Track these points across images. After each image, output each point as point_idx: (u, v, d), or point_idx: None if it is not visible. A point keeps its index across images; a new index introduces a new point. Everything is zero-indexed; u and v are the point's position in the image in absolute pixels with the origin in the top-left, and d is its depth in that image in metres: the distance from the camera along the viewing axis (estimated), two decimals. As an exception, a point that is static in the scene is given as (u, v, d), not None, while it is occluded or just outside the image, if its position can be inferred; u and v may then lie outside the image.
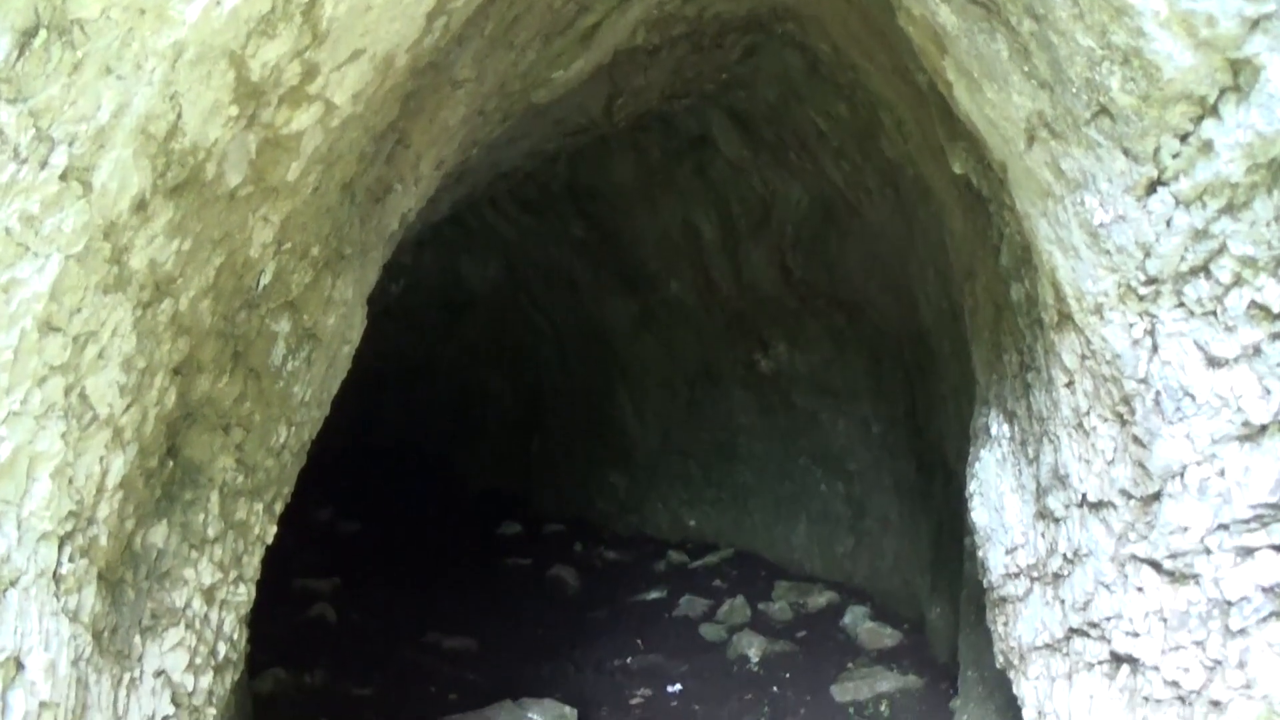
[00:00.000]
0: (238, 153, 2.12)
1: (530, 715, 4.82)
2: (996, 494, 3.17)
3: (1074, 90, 2.12)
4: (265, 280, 2.54)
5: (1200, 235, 2.02)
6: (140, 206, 1.91)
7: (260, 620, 3.25)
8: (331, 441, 13.82)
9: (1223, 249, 1.99)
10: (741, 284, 7.34)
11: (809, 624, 6.51)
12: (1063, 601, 2.74)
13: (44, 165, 1.68)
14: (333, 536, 9.30)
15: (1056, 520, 2.76)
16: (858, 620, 6.23)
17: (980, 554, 3.29)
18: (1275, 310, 1.95)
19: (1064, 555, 2.73)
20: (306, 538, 8.70)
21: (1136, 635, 2.38)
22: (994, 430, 3.21)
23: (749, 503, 7.96)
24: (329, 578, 7.53)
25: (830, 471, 7.17)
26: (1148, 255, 2.13)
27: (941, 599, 5.58)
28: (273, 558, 3.13)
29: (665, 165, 6.99)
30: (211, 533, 2.60)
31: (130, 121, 1.80)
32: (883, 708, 5.07)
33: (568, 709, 4.96)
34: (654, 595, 7.38)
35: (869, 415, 6.82)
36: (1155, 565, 2.30)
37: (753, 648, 6.04)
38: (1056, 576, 2.78)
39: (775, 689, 5.54)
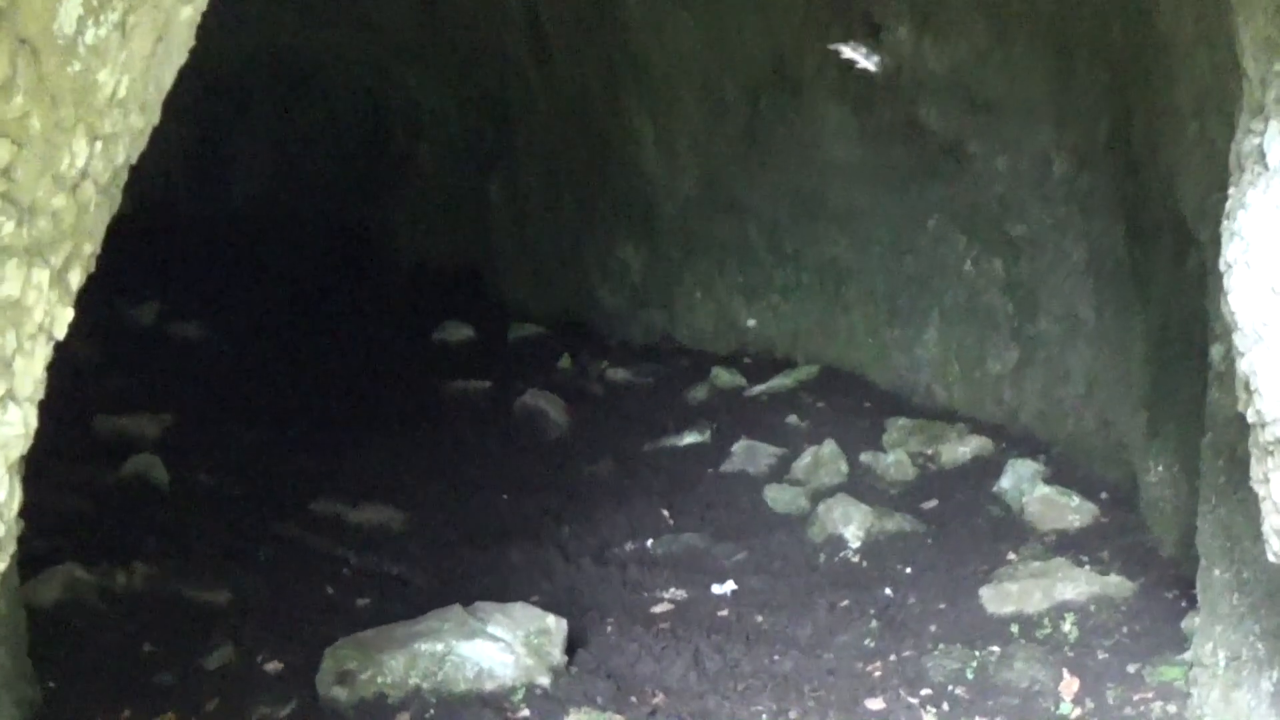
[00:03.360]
0: None
1: (491, 630, 4.95)
2: (1277, 266, 3.11)
3: None
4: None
5: None
6: None
7: (43, 484, 3.26)
8: (160, 199, 13.93)
9: None
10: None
11: (943, 488, 6.63)
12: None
13: None
14: (162, 348, 9.42)
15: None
16: (1024, 483, 6.32)
17: (1243, 371, 3.25)
18: None
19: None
20: (119, 350, 8.84)
21: None
22: (1275, 157, 3.13)
23: (845, 291, 8.09)
24: (155, 414, 7.66)
25: (981, 240, 7.24)
26: None
27: (1166, 450, 5.61)
28: (64, 377, 3.11)
29: None
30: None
31: None
32: (1066, 626, 5.14)
33: (551, 619, 5.07)
34: (689, 439, 7.53)
35: (1049, 145, 6.80)
36: None
37: (851, 525, 6.16)
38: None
39: (888, 591, 5.64)
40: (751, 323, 8.64)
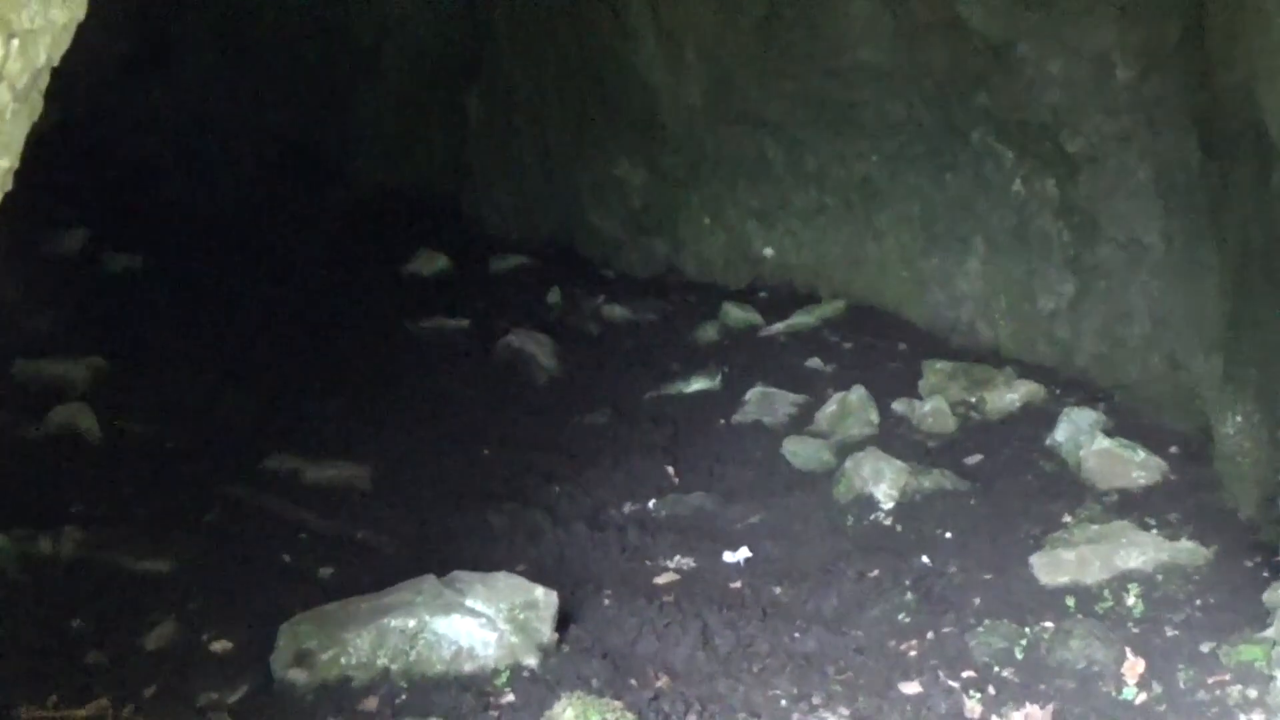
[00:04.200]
0: None
1: (470, 603, 4.95)
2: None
3: None
4: None
5: None
6: None
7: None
8: (88, 109, 13.83)
9: None
10: None
11: (989, 440, 6.66)
12: None
13: None
14: (91, 281, 9.38)
15: None
16: (1081, 435, 6.35)
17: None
18: None
19: None
20: (40, 284, 8.78)
21: None
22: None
23: (875, 216, 8.14)
24: (83, 358, 7.64)
25: (1032, 156, 7.27)
26: None
27: (1245, 396, 5.62)
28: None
29: None
30: None
31: None
32: (1130, 599, 5.15)
33: (539, 591, 5.07)
34: (697, 386, 7.57)
35: (1110, 46, 6.81)
36: None
37: (882, 483, 6.17)
38: None
39: (925, 559, 5.67)
40: (768, 252, 8.66)
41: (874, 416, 6.85)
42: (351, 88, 11.98)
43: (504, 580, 5.09)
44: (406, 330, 8.60)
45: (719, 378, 7.55)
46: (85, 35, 3.13)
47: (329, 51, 12.26)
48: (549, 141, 9.89)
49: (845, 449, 6.55)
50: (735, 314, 8.29)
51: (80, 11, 3.12)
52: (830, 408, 6.91)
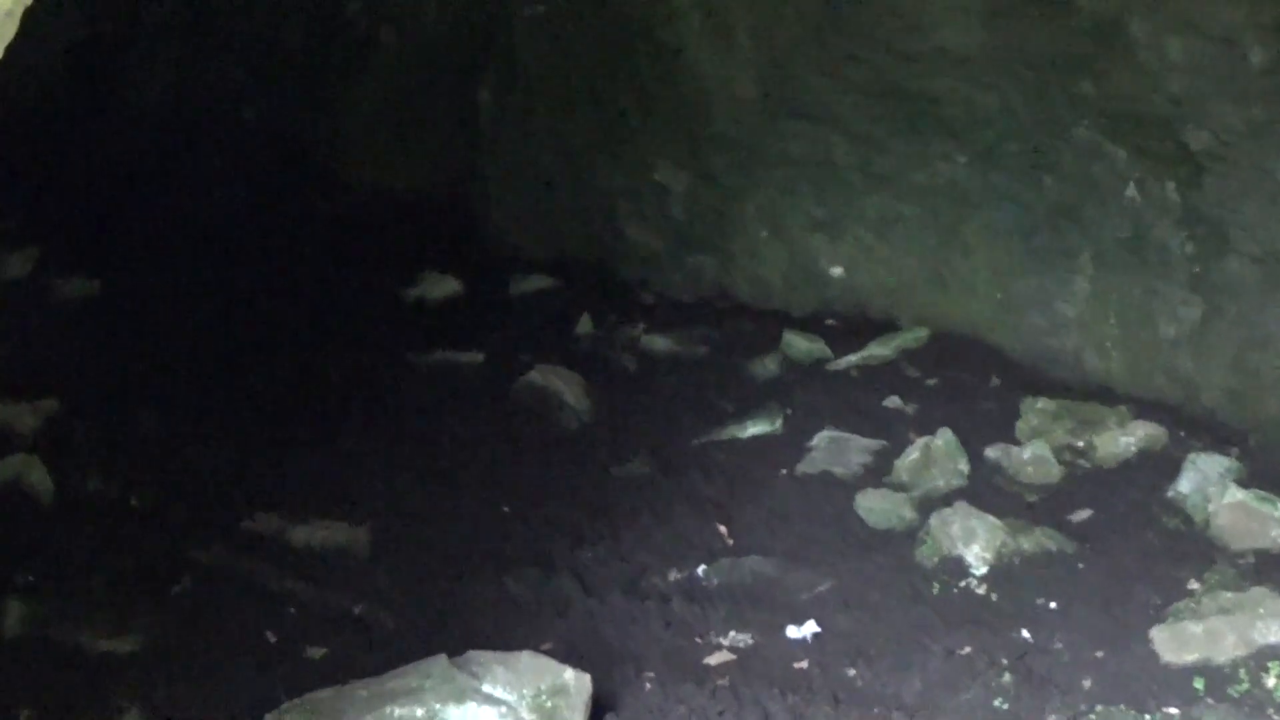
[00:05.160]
0: None
1: (488, 688, 4.95)
2: None
3: None
4: None
5: None
6: None
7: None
8: (35, 109, 13.80)
9: None
10: None
11: (1100, 492, 6.66)
12: None
13: None
14: (40, 310, 9.43)
15: None
16: (1210, 486, 6.36)
17: None
18: None
19: None
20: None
21: None
22: None
23: (963, 227, 8.18)
24: (32, 401, 7.66)
25: (1149, 156, 7.30)
26: None
27: None
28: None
29: None
30: None
31: None
32: (1271, 680, 5.15)
33: (569, 674, 5.06)
34: (754, 429, 7.55)
35: (1241, 25, 6.83)
36: None
37: (974, 544, 6.19)
38: None
39: (1025, 633, 5.67)
40: (837, 271, 8.68)
41: (963, 465, 6.84)
42: (344, 78, 12.03)
43: (527, 661, 5.07)
44: (410, 365, 8.58)
45: (780, 420, 7.54)
46: (32, 15, 3.16)
47: (318, 37, 12.31)
48: (575, 140, 9.91)
49: (929, 504, 6.55)
50: (798, 345, 8.30)
51: None
52: (912, 455, 6.89)
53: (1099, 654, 5.45)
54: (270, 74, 12.61)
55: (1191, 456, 6.52)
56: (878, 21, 8.22)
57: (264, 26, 12.62)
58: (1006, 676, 5.34)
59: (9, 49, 3.11)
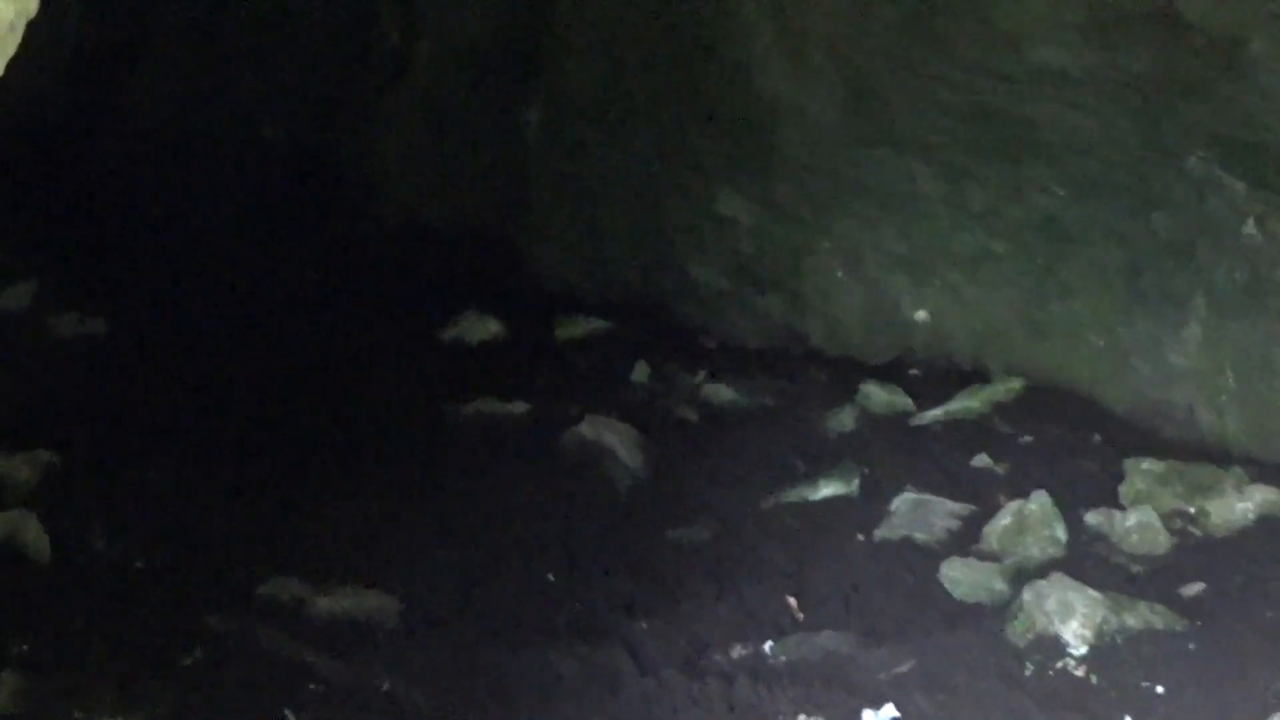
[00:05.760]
0: None
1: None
2: None
3: None
4: None
5: None
6: None
7: None
8: (36, 129, 13.88)
9: None
10: None
11: (1214, 563, 6.63)
12: None
13: None
14: (38, 350, 9.49)
15: None
16: None
17: None
18: None
19: None
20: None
21: None
22: None
23: (1061, 267, 8.19)
24: (28, 452, 7.71)
25: (1271, 189, 7.28)
26: None
27: None
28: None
29: None
30: None
31: None
32: None
33: (622, 769, 5.13)
34: (827, 490, 7.49)
35: None
36: None
37: (1073, 620, 6.14)
38: None
39: (1130, 720, 5.65)
40: (921, 315, 8.71)
41: (1060, 533, 6.82)
42: (375, 95, 12.09)
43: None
44: (446, 415, 8.59)
45: (856, 480, 7.54)
46: (32, 24, 3.18)
47: (347, 46, 12.38)
48: (631, 169, 9.98)
49: (1023, 575, 6.52)
50: (877, 396, 8.34)
51: (32, 5, 3.20)
52: (1003, 521, 6.89)
53: (1214, 756, 5.45)
54: (295, 90, 12.67)
55: (1318, 527, 6.49)
56: (969, 37, 8.27)
57: (288, 37, 12.68)
58: (1107, 777, 5.34)
59: (11, 66, 3.15)
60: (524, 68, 10.67)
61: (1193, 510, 6.91)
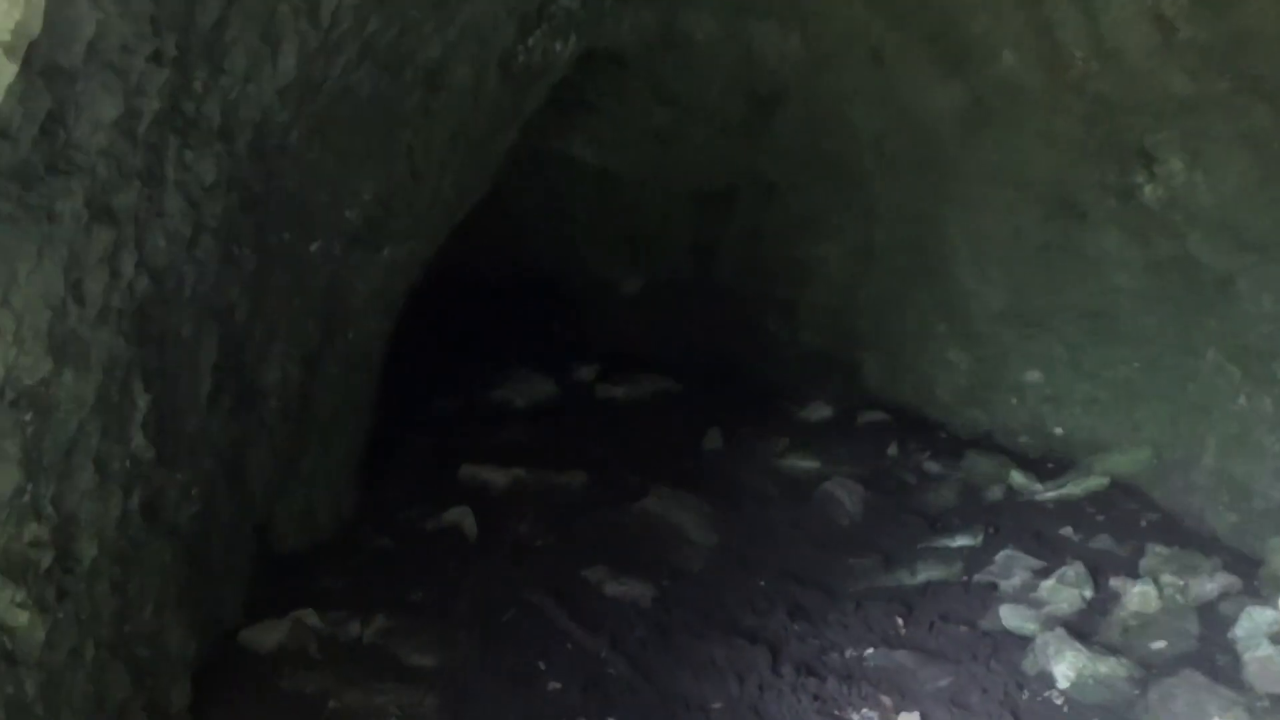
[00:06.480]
0: None
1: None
2: None
3: None
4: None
5: None
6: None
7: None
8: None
9: None
10: (1102, 49, 8.68)
11: (1174, 627, 7.36)
12: None
13: None
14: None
15: None
16: (1258, 634, 7.04)
17: None
18: None
19: None
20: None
21: None
22: None
23: (1136, 409, 9.66)
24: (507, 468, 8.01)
25: (1253, 378, 8.58)
26: None
27: None
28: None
29: None
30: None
31: None
32: None
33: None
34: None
35: None
36: None
37: (1061, 662, 6.95)
38: None
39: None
40: (1059, 430, 10.23)
41: (1087, 592, 7.89)
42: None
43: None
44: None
45: (980, 536, 8.65)
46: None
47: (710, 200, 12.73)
48: (901, 317, 11.28)
49: (1050, 621, 7.50)
50: (1015, 480, 9.74)
51: (35, 25, 3.71)
52: (1052, 580, 7.92)
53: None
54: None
55: (1249, 609, 7.36)
56: (1074, 263, 10.10)
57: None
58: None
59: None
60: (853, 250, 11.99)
61: (1181, 584, 7.92)
